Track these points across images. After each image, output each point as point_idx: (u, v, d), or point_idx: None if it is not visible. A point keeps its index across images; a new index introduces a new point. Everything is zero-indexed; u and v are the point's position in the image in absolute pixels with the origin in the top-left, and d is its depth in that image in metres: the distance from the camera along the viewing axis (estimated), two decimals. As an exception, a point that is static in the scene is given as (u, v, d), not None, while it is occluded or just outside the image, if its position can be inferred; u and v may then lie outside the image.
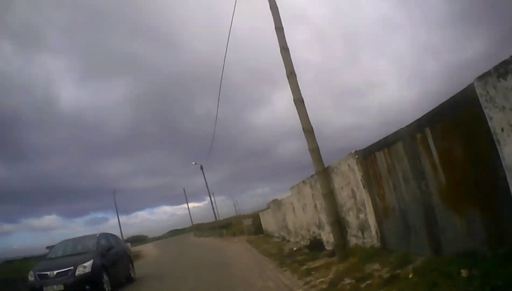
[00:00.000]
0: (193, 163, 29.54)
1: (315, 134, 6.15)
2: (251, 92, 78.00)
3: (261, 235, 17.13)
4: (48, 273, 6.77)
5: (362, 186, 4.91)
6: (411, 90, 64.63)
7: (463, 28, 55.33)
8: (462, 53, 50.66)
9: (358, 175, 4.95)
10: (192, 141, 78.04)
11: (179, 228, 72.50)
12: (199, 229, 44.38)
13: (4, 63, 67.27)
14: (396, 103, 64.52)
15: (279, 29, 6.50)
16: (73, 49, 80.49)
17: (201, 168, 29.10)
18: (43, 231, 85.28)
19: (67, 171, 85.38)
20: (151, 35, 78.33)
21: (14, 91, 69.94)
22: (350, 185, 5.33)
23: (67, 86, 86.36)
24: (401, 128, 3.69)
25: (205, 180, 29.00)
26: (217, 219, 30.53)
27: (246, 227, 21.49)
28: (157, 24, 73.78)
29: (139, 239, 68.88)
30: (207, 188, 29.11)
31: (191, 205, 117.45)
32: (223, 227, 29.18)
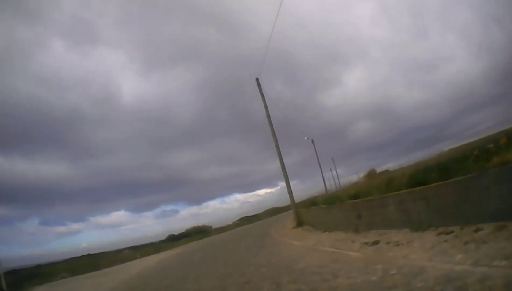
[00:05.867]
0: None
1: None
2: (322, 73, 75.64)
3: None
4: None
5: None
6: (479, 63, 60.47)
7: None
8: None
9: None
10: (263, 128, 75.65)
11: (250, 214, 65.42)
12: (274, 213, 31.66)
13: (58, 60, 68.48)
14: (464, 77, 60.07)
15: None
16: (131, 39, 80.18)
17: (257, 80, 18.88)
18: (112, 228, 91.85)
19: (134, 165, 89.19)
20: (212, 18, 75.40)
21: (72, 88, 71.65)
22: None
23: (129, 79, 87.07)
24: None
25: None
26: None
27: None
28: (218, 5, 70.56)
29: (200, 230, 59.14)
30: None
31: (263, 191, 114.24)
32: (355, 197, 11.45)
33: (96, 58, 74.62)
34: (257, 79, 18.24)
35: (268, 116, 17.66)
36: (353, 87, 78.65)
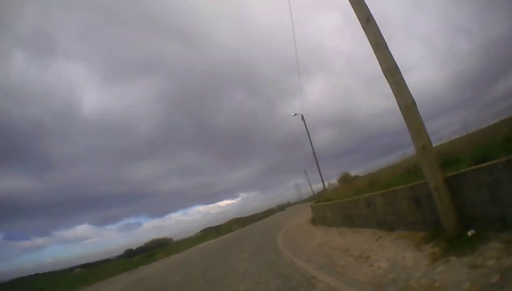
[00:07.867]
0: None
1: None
2: (283, 85, 79.45)
3: None
4: None
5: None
6: (444, 72, 65.81)
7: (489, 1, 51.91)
8: (492, 29, 48.88)
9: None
10: (224, 139, 77.12)
11: (213, 225, 64.19)
12: (240, 223, 30.50)
13: (19, 73, 65.52)
14: (428, 86, 65.79)
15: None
16: (92, 52, 78.75)
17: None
18: (76, 242, 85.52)
19: (97, 178, 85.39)
20: (174, 32, 76.02)
21: (34, 101, 68.21)
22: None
23: (90, 92, 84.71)
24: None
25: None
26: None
27: None
28: (180, 20, 71.42)
29: (159, 244, 53.48)
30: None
31: (224, 202, 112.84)
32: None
33: (57, 70, 71.12)
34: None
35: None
36: (316, 98, 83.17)
